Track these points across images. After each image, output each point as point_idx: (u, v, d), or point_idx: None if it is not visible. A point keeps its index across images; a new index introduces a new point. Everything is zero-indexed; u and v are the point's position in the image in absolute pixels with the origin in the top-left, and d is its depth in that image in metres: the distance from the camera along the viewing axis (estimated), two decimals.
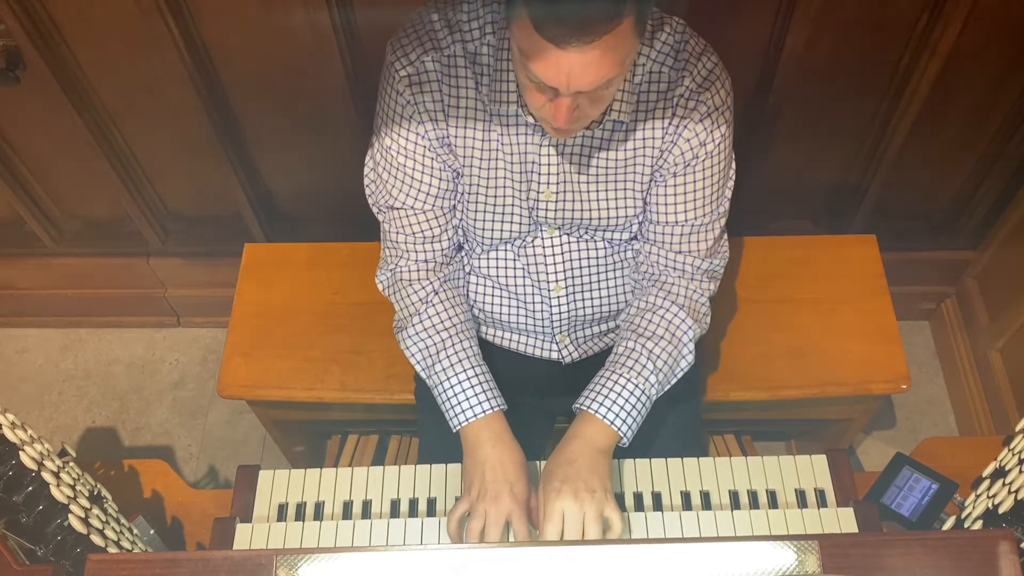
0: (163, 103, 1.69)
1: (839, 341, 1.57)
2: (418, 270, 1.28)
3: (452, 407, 1.22)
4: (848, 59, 1.58)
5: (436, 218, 1.24)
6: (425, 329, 1.26)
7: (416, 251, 1.27)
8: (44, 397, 2.27)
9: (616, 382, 1.19)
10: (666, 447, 1.33)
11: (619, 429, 1.18)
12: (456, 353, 1.23)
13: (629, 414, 1.18)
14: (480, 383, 1.22)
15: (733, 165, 1.25)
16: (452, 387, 1.22)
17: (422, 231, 1.25)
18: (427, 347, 1.26)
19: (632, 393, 1.19)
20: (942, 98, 1.64)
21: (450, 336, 1.25)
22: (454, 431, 1.22)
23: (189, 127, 1.72)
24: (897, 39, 1.55)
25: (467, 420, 1.20)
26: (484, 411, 1.20)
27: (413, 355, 1.28)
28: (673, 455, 1.30)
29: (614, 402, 1.18)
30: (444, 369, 1.23)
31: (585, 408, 1.19)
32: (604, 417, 1.17)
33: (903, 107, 1.65)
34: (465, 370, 1.22)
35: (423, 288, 1.27)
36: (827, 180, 1.89)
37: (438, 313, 1.26)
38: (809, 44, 1.54)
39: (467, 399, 1.21)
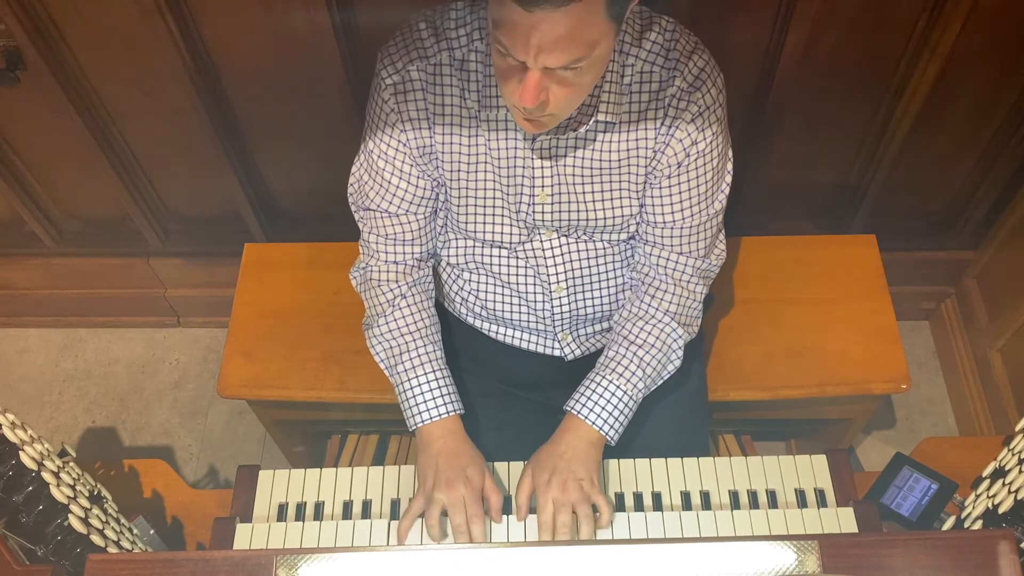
0: (163, 103, 1.69)
1: (839, 341, 1.57)
2: (388, 271, 1.30)
3: (411, 407, 1.26)
4: (848, 59, 1.58)
5: (409, 223, 1.26)
6: (391, 330, 1.29)
7: (387, 252, 1.29)
8: (44, 397, 2.27)
9: (605, 388, 1.24)
10: (670, 437, 1.36)
11: (606, 433, 1.23)
12: (419, 355, 1.27)
13: (616, 419, 1.23)
14: (440, 386, 1.26)
15: (730, 162, 1.24)
16: (412, 388, 1.26)
17: (394, 234, 1.27)
18: (391, 347, 1.29)
19: (620, 399, 1.24)
20: (942, 98, 1.64)
21: (414, 339, 1.28)
22: (411, 430, 1.27)
23: (189, 127, 1.72)
24: (897, 39, 1.55)
25: (423, 422, 1.25)
26: (441, 414, 1.25)
27: (377, 353, 1.31)
28: (677, 445, 1.33)
29: (603, 408, 1.23)
30: (406, 370, 1.26)
31: (575, 412, 1.24)
32: (593, 423, 1.22)
33: (903, 107, 1.65)
34: (426, 373, 1.26)
35: (391, 291, 1.29)
36: (827, 180, 1.89)
37: (404, 316, 1.29)
38: (809, 44, 1.54)
39: (425, 401, 1.25)
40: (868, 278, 1.63)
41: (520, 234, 1.26)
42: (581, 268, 1.30)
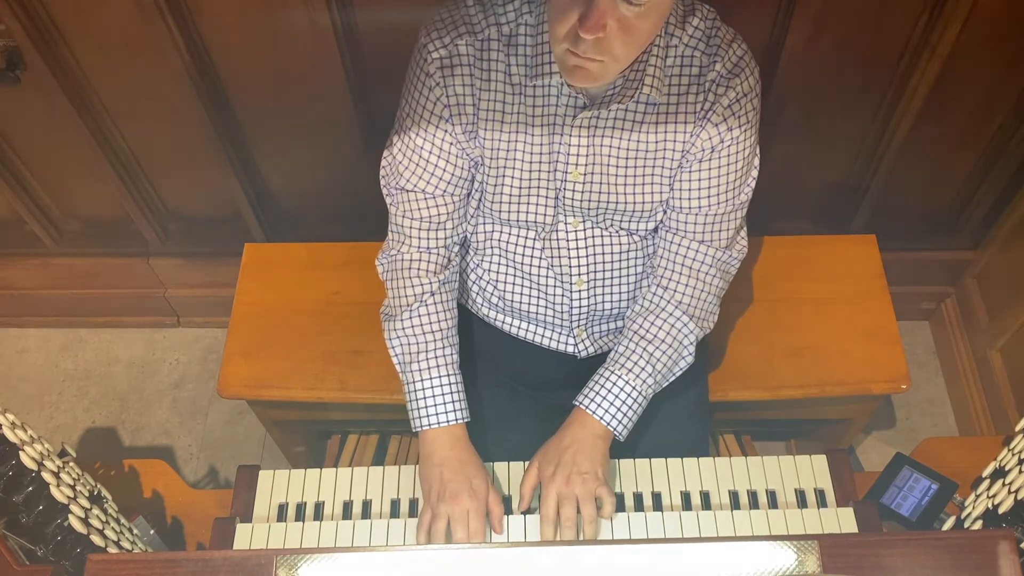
0: (163, 103, 1.69)
1: (839, 341, 1.57)
2: (420, 260, 1.29)
3: (419, 408, 1.25)
4: (848, 59, 1.58)
5: (444, 204, 1.25)
6: (412, 327, 1.28)
7: (420, 237, 1.28)
8: (44, 397, 2.27)
9: (614, 383, 1.23)
10: (672, 433, 1.36)
11: (614, 429, 1.22)
12: (436, 358, 1.26)
13: (625, 414, 1.23)
14: (451, 392, 1.25)
15: (757, 157, 1.25)
16: (423, 389, 1.25)
17: (428, 216, 1.26)
18: (409, 344, 1.28)
19: (629, 395, 1.23)
20: (942, 98, 1.64)
21: (434, 338, 1.27)
22: (414, 431, 1.26)
23: (189, 127, 1.72)
24: (897, 39, 1.55)
25: (430, 425, 1.24)
26: (449, 421, 1.24)
27: (393, 347, 1.30)
28: (677, 445, 1.33)
29: (611, 403, 1.22)
30: (420, 370, 1.26)
31: (583, 407, 1.23)
32: (601, 418, 1.22)
33: (903, 107, 1.65)
34: (440, 376, 1.25)
35: (420, 286, 1.28)
36: (827, 180, 1.89)
37: (429, 314, 1.28)
38: (809, 44, 1.54)
39: (435, 405, 1.24)
40: (868, 278, 1.63)
41: (547, 214, 1.25)
42: (603, 261, 1.30)
